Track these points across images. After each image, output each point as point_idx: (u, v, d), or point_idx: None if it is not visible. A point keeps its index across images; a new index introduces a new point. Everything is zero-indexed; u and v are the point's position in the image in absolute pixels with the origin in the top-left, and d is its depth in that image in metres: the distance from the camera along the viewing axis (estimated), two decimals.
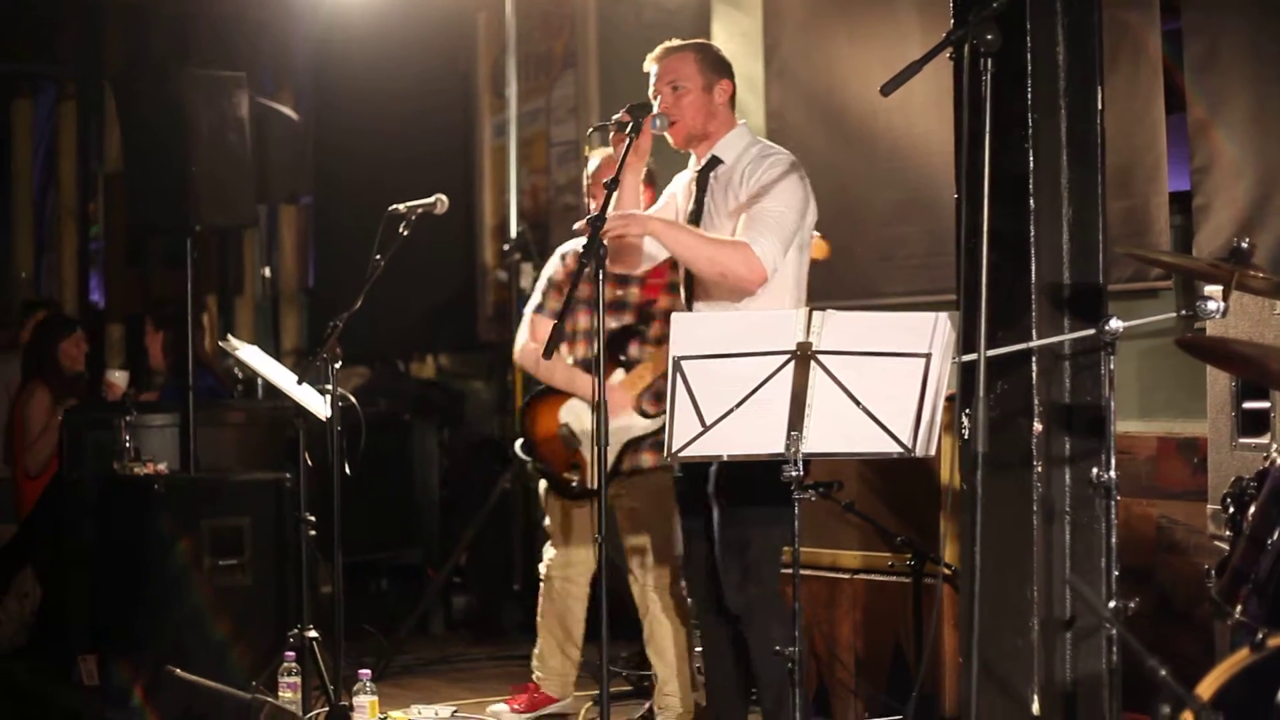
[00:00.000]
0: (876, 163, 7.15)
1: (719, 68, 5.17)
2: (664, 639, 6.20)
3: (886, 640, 6.00)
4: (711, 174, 5.12)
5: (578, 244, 6.43)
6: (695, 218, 5.11)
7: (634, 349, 6.23)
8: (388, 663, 7.34)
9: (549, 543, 6.57)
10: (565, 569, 6.51)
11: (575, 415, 6.30)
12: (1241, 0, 5.67)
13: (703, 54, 5.18)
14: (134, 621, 6.55)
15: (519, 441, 6.56)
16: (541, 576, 6.59)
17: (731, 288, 4.89)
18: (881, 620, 6.03)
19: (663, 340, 5.88)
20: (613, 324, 6.21)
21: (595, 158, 6.32)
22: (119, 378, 8.29)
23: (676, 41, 5.22)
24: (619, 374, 6.20)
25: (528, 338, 6.46)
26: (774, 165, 4.99)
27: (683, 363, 3.98)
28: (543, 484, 6.56)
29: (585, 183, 6.36)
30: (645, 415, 6.16)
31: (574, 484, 6.28)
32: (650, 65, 5.18)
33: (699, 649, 5.76)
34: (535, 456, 6.43)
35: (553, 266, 6.54)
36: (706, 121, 5.11)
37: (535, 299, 6.52)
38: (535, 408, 6.45)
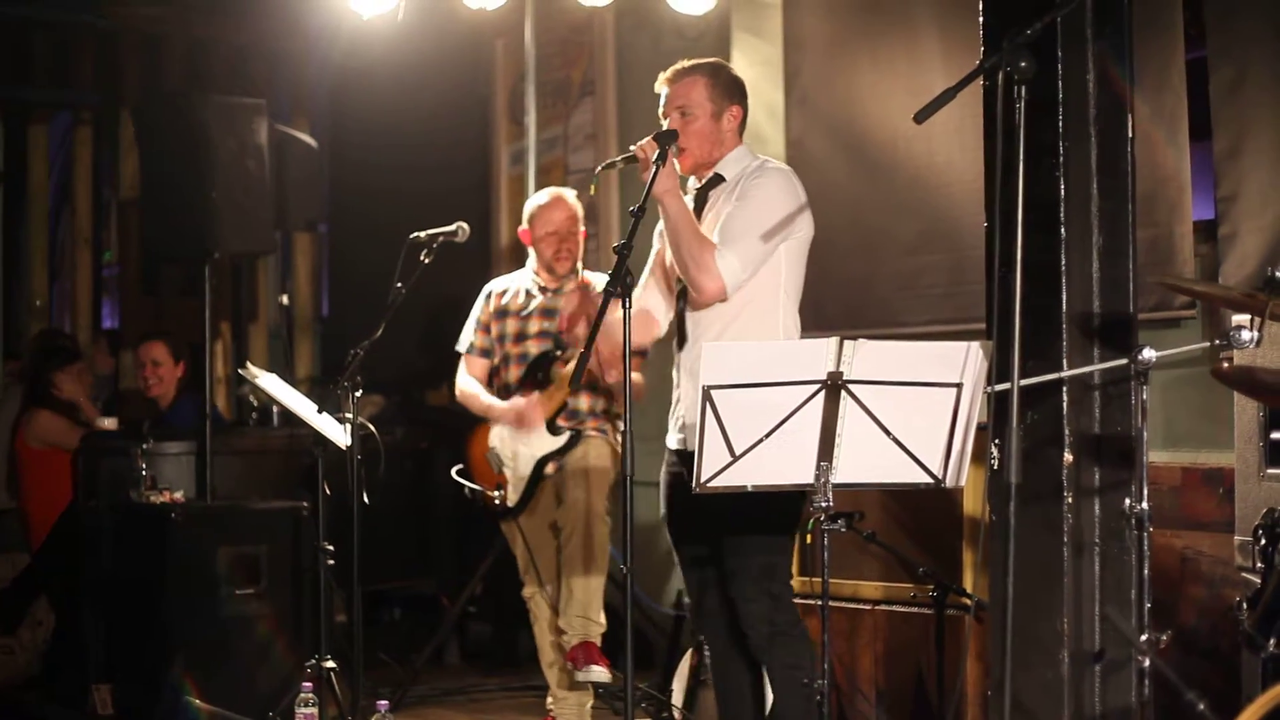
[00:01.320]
0: (897, 192, 7.12)
1: (730, 92, 5.10)
2: (581, 546, 6.31)
3: (908, 672, 5.96)
4: (712, 191, 5.09)
5: (503, 282, 6.61)
6: None
7: (554, 372, 6.46)
8: (404, 693, 7.29)
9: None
10: (531, 595, 6.65)
11: (500, 439, 6.55)
12: (1267, 28, 5.64)
13: (714, 77, 5.10)
14: (150, 651, 6.52)
15: (457, 467, 6.71)
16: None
17: (690, 284, 4.92)
18: (903, 652, 5.99)
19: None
20: (535, 350, 6.52)
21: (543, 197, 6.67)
22: (109, 424, 8.30)
23: (688, 62, 5.16)
24: (534, 395, 6.45)
25: (464, 376, 6.72)
26: (762, 175, 4.97)
27: (712, 392, 3.93)
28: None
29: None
30: (555, 432, 6.40)
31: (497, 502, 6.52)
32: (661, 87, 5.12)
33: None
34: (470, 480, 6.63)
35: (479, 306, 6.75)
36: (713, 149, 5.07)
37: (466, 338, 6.73)
38: (473, 433, 6.71)
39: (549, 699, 6.62)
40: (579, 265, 6.63)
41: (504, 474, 6.50)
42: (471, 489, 6.61)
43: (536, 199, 6.69)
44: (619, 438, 6.50)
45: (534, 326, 6.54)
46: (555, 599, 6.49)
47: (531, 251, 6.65)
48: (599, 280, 6.56)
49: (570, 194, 6.64)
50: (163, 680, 6.36)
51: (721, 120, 5.06)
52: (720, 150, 5.08)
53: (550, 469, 6.42)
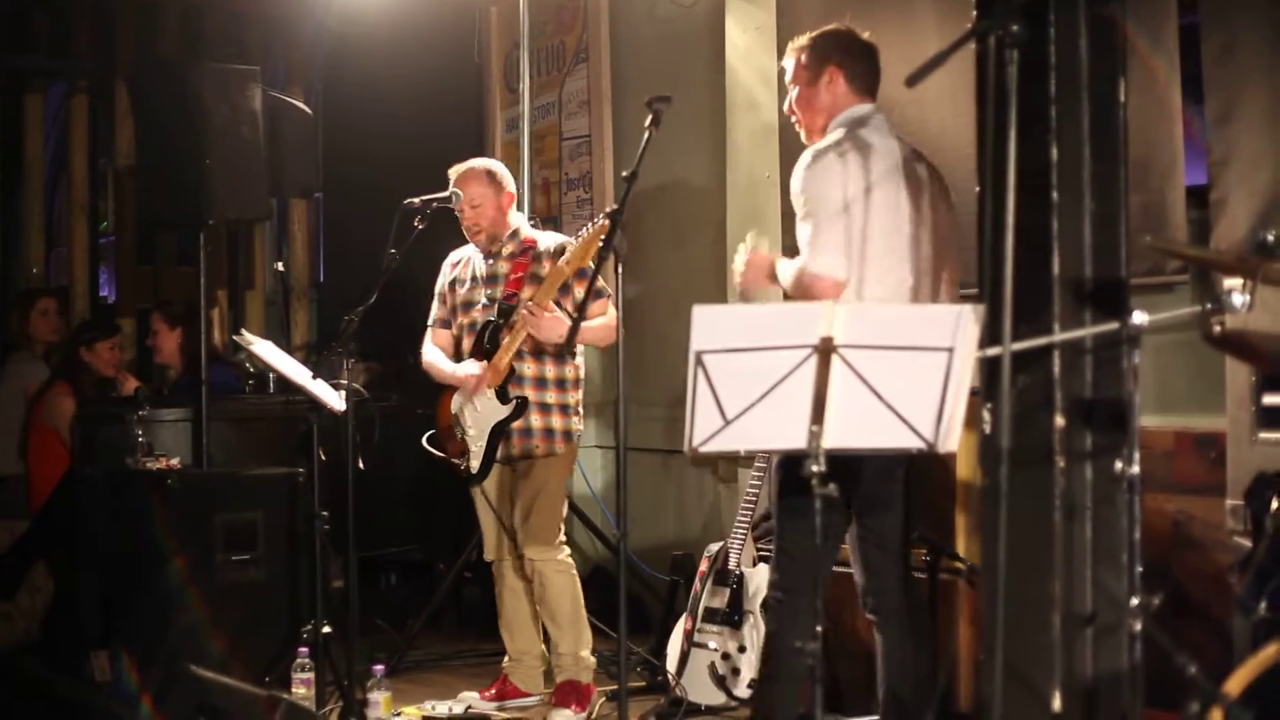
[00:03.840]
0: None
1: (826, 53, 5.16)
2: (555, 598, 6.38)
3: None
4: None
5: (460, 252, 6.63)
6: None
7: (500, 339, 6.42)
8: (399, 658, 7.32)
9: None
10: (493, 560, 6.71)
11: (459, 407, 6.55)
12: None
13: (810, 45, 5.18)
14: (146, 616, 6.55)
15: (428, 434, 6.69)
16: None
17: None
18: None
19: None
20: (480, 318, 6.50)
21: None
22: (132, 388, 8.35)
23: (803, 39, 5.20)
24: (482, 363, 6.42)
25: (427, 347, 6.74)
26: (797, 169, 4.99)
27: (704, 356, 3.93)
28: None
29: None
30: (504, 399, 6.35)
31: (463, 469, 6.50)
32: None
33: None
34: (438, 447, 6.61)
35: (439, 278, 6.78)
36: (815, 116, 5.13)
37: (431, 312, 6.77)
38: (441, 400, 6.67)
39: (505, 659, 6.74)
40: (519, 229, 6.58)
41: (465, 441, 6.50)
42: (439, 456, 6.61)
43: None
44: (569, 414, 6.47)
45: (479, 295, 6.53)
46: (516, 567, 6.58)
47: None
48: (544, 239, 6.51)
49: (465, 166, 6.59)
50: (155, 649, 6.40)
51: (819, 85, 5.10)
52: (825, 117, 5.13)
53: (517, 451, 6.42)
